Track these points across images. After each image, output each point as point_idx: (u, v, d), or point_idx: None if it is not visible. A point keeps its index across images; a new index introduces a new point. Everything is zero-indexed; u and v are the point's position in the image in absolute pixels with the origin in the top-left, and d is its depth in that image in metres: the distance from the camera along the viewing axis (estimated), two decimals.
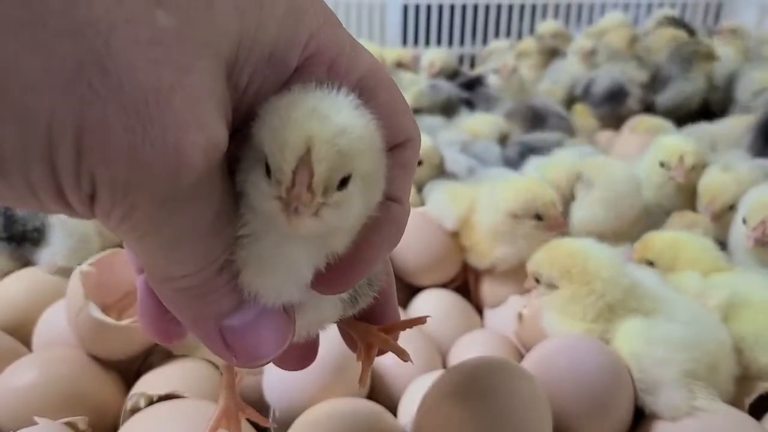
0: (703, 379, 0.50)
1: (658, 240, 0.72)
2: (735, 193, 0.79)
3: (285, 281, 0.27)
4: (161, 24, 0.21)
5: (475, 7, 1.86)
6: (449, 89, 1.40)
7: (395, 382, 0.59)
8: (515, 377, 0.43)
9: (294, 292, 0.27)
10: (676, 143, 0.90)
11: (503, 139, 1.16)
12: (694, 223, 0.80)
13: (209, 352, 0.32)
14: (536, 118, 1.23)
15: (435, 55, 1.55)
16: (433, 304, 0.72)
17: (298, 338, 0.32)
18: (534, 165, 0.94)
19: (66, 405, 0.51)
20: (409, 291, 0.77)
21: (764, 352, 0.56)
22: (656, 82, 1.38)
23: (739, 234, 0.72)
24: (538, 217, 0.71)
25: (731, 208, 0.79)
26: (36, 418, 0.46)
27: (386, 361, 0.59)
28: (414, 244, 0.75)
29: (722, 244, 0.73)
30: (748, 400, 0.53)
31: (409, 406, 0.52)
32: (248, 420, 0.45)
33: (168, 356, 0.57)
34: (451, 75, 1.52)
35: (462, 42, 1.89)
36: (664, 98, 1.35)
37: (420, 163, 0.89)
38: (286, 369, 0.37)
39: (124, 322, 0.54)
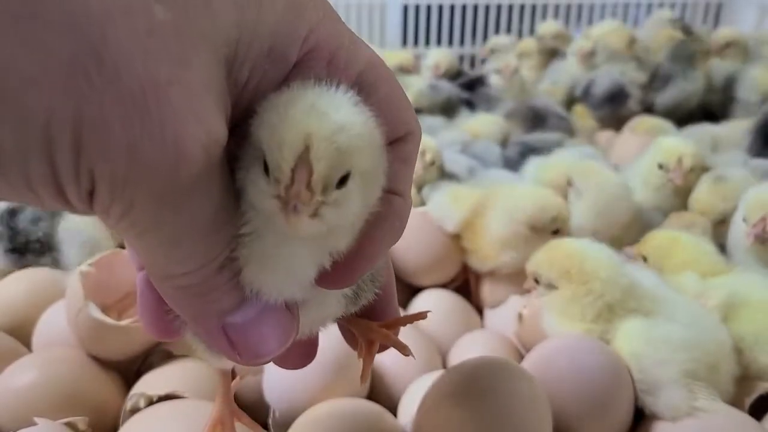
0: (703, 379, 0.50)
1: (657, 237, 0.73)
2: (724, 210, 0.80)
3: (287, 279, 0.27)
4: (159, 17, 0.21)
5: (475, 8, 1.86)
6: (449, 89, 1.40)
7: (395, 382, 0.59)
8: (515, 377, 0.43)
9: (297, 289, 0.27)
10: (675, 145, 0.90)
11: (505, 140, 1.16)
12: (692, 223, 0.81)
13: (206, 355, 0.32)
14: (536, 119, 1.24)
15: (440, 57, 1.55)
16: (433, 305, 0.72)
17: (302, 335, 0.32)
18: (534, 165, 0.94)
19: (66, 405, 0.51)
20: (409, 291, 0.77)
21: (764, 352, 0.56)
22: (656, 81, 1.38)
23: (739, 232, 0.72)
24: (556, 231, 0.72)
25: (722, 222, 0.80)
26: (36, 419, 0.46)
27: (386, 362, 0.59)
28: (414, 244, 0.75)
29: (720, 246, 0.74)
30: (749, 400, 0.53)
31: (409, 406, 0.52)
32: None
33: (168, 356, 0.57)
34: (455, 76, 1.52)
35: (462, 42, 1.89)
36: (665, 97, 1.35)
37: (432, 163, 0.89)
38: (286, 368, 0.37)
39: (124, 323, 0.54)
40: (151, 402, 0.48)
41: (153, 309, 0.30)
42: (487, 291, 0.76)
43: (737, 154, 1.02)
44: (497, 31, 1.87)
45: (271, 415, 0.52)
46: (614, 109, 1.34)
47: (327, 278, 0.27)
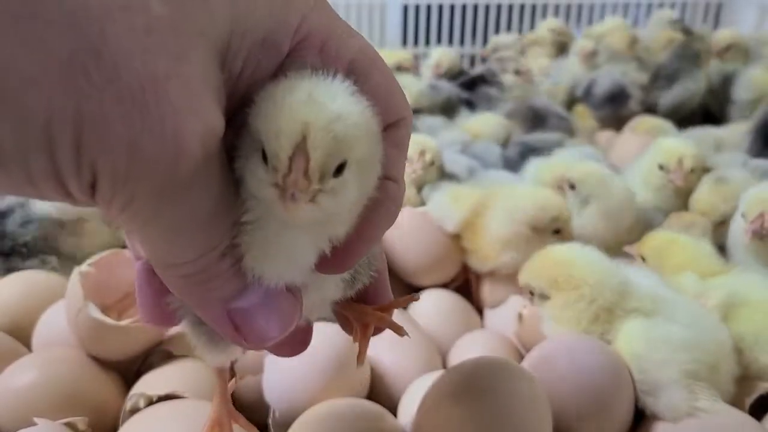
0: (703, 379, 0.50)
1: (655, 238, 0.73)
2: (725, 211, 0.80)
3: (288, 265, 0.27)
4: (156, 12, 0.21)
5: (475, 7, 1.87)
6: (449, 89, 1.40)
7: (395, 382, 0.58)
8: (515, 377, 0.43)
9: (297, 274, 0.28)
10: (675, 146, 0.89)
11: (506, 140, 1.16)
12: (692, 224, 0.81)
13: (205, 353, 0.32)
14: (537, 119, 1.24)
15: (442, 56, 1.55)
16: (433, 305, 0.72)
17: (302, 319, 0.32)
18: (534, 165, 0.94)
19: (66, 405, 0.51)
20: (409, 291, 0.77)
21: (764, 352, 0.56)
22: (659, 80, 1.38)
23: (738, 231, 0.72)
24: (557, 231, 0.72)
25: (722, 223, 0.80)
26: (35, 419, 0.46)
27: (386, 362, 0.59)
28: (414, 244, 0.75)
29: (720, 248, 0.74)
30: (749, 400, 0.53)
31: (409, 406, 0.52)
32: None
33: (168, 357, 0.57)
34: (456, 75, 1.52)
35: (462, 42, 1.89)
36: (669, 97, 1.35)
37: (432, 163, 0.89)
38: (281, 355, 0.37)
39: (124, 323, 0.54)
40: (150, 402, 0.48)
41: (151, 298, 0.31)
42: (487, 291, 0.76)
43: (737, 154, 1.02)
44: (497, 30, 1.87)
45: (271, 415, 0.52)
46: (615, 110, 1.34)
47: (327, 264, 0.28)
